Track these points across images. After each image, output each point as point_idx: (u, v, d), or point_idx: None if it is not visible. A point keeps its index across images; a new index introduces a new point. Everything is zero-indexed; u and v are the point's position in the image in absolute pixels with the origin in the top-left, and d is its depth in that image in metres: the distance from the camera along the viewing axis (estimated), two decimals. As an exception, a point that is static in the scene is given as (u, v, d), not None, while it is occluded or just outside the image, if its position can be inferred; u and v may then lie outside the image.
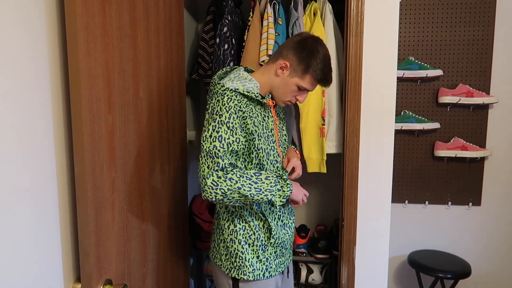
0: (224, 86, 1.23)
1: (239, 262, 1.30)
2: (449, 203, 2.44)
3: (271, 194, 1.21)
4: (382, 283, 1.70)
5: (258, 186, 1.20)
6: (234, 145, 1.19)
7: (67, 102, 0.93)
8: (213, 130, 1.19)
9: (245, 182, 1.18)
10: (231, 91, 1.22)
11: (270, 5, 1.83)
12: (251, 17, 1.89)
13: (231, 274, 1.31)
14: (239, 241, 1.30)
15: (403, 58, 2.37)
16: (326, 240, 2.19)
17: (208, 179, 1.16)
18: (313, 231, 2.41)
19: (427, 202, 2.46)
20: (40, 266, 0.84)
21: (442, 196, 2.44)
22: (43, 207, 0.85)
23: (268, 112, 1.32)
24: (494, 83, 2.32)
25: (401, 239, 2.52)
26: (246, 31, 1.89)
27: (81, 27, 0.86)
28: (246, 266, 1.30)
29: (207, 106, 1.25)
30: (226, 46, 1.89)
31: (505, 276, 2.47)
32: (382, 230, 1.68)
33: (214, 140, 1.18)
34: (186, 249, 1.64)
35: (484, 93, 2.29)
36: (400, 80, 2.36)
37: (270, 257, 1.33)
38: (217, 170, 1.17)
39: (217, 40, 1.90)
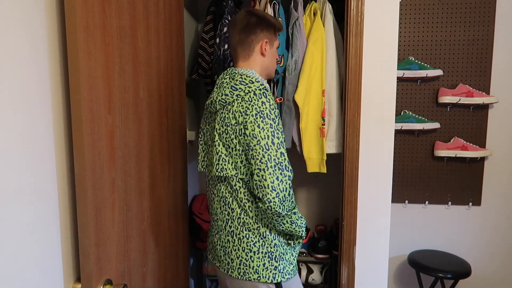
0: (263, 84, 1.26)
1: (283, 264, 1.29)
2: (449, 203, 2.44)
3: (301, 231, 1.30)
4: (382, 283, 1.70)
5: (301, 220, 1.28)
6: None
7: (67, 102, 0.93)
8: (274, 136, 1.19)
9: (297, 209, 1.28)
10: (266, 90, 1.25)
11: (270, 5, 1.83)
12: (251, 17, 1.89)
13: (276, 280, 1.27)
14: (282, 243, 1.30)
15: (403, 58, 2.37)
16: (326, 240, 2.19)
17: (282, 191, 1.17)
18: (313, 231, 2.41)
19: (427, 202, 2.46)
20: (40, 266, 0.84)
21: (442, 196, 2.44)
22: (43, 207, 0.85)
23: None
24: (494, 83, 2.32)
25: (401, 239, 2.52)
26: (246, 31, 1.89)
27: (81, 27, 0.86)
28: (288, 265, 1.31)
29: (245, 109, 1.20)
30: (226, 46, 1.89)
31: (505, 276, 2.47)
32: (382, 230, 1.68)
33: (279, 147, 1.19)
34: (186, 249, 1.64)
35: (484, 93, 2.29)
36: (400, 80, 2.36)
37: (295, 251, 1.36)
38: (289, 185, 1.20)
39: (217, 40, 1.91)
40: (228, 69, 1.35)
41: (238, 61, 1.36)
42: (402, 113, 2.38)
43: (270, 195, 1.16)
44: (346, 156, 1.66)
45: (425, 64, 2.32)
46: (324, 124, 1.87)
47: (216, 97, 1.28)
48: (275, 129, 1.20)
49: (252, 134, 1.18)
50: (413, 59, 2.33)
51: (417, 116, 2.36)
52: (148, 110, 1.23)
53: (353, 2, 1.57)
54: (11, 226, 0.76)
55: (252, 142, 1.18)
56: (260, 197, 1.18)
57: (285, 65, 1.85)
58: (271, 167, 1.17)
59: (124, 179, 1.08)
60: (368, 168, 1.65)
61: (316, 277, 2.20)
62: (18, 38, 0.77)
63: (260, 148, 1.17)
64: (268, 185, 1.16)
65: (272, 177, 1.16)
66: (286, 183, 1.19)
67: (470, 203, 2.42)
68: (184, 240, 1.61)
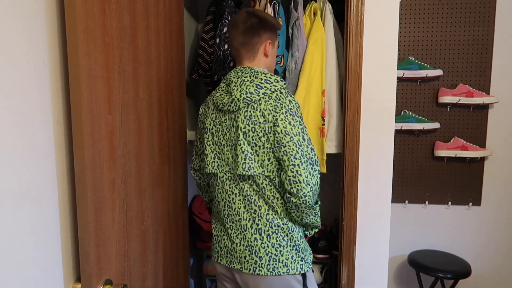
0: (285, 83, 1.31)
1: (306, 254, 1.37)
2: (449, 203, 2.44)
3: (319, 222, 1.39)
4: (382, 283, 1.70)
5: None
6: None
7: (67, 102, 0.93)
8: (303, 133, 1.25)
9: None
10: (288, 89, 1.33)
11: (270, 5, 1.83)
12: (251, 17, 1.89)
13: (304, 271, 1.34)
14: (303, 235, 1.38)
15: (403, 58, 2.37)
16: (326, 240, 2.19)
17: (314, 185, 1.25)
18: (313, 231, 2.41)
19: (427, 202, 2.46)
20: (40, 266, 0.84)
21: (442, 196, 2.44)
22: (43, 207, 0.85)
23: None
24: (494, 83, 2.32)
25: (401, 239, 2.52)
26: (246, 31, 1.89)
27: (81, 27, 0.86)
28: (309, 255, 1.38)
29: (274, 107, 1.24)
30: (226, 46, 1.89)
31: (505, 276, 2.47)
32: (382, 230, 1.68)
33: (309, 143, 1.25)
34: (186, 249, 1.64)
35: (484, 93, 2.29)
36: (400, 80, 2.36)
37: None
38: (319, 179, 1.28)
39: (217, 40, 1.91)
40: (241, 67, 1.35)
41: (243, 62, 1.36)
42: (402, 113, 2.38)
43: (305, 189, 1.22)
44: (346, 156, 1.66)
45: (425, 64, 2.32)
46: (324, 124, 1.87)
47: (240, 96, 1.27)
48: (303, 126, 1.27)
49: (284, 131, 1.23)
50: (413, 59, 2.33)
51: (417, 116, 2.36)
52: (148, 110, 1.23)
53: (353, 2, 1.57)
54: (11, 226, 0.76)
55: (284, 139, 1.22)
56: (295, 192, 1.22)
57: (285, 65, 1.85)
58: (304, 162, 1.22)
59: (124, 179, 1.08)
60: (368, 168, 1.65)
61: (316, 277, 2.20)
62: (17, 38, 0.77)
63: (293, 145, 1.22)
64: (303, 179, 1.21)
65: (305, 172, 1.22)
66: (317, 177, 1.27)
67: (470, 203, 2.42)
68: (184, 240, 1.61)
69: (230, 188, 1.35)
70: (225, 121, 1.33)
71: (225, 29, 1.89)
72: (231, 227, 1.36)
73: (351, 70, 1.60)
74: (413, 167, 2.44)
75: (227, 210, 1.36)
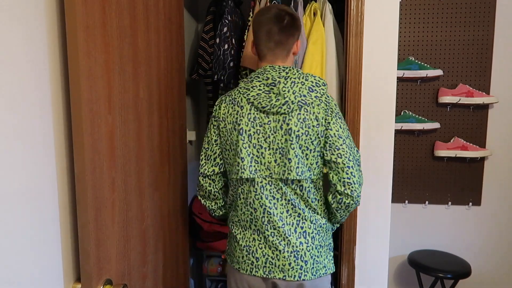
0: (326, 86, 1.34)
1: (334, 252, 1.40)
2: (449, 203, 2.44)
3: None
4: (382, 283, 1.70)
5: None
6: None
7: (67, 102, 0.93)
8: (349, 135, 1.29)
9: None
10: None
11: (270, 5, 1.83)
12: (251, 17, 1.89)
13: (334, 269, 1.36)
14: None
15: (403, 58, 2.37)
16: (326, 240, 2.19)
17: (361, 185, 1.27)
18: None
19: (427, 202, 2.46)
20: (40, 266, 0.84)
21: (442, 196, 2.44)
22: (43, 207, 0.85)
23: None
24: (494, 83, 2.32)
25: (401, 239, 2.52)
26: (246, 31, 1.89)
27: (81, 27, 0.86)
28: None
29: (325, 110, 1.25)
30: (226, 46, 1.89)
31: (505, 276, 2.47)
32: (382, 230, 1.68)
33: (354, 145, 1.30)
34: (186, 249, 1.64)
35: (484, 93, 2.29)
36: (400, 80, 2.36)
37: None
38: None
39: (217, 40, 1.90)
40: (281, 66, 1.28)
41: (276, 61, 1.31)
42: (402, 113, 2.38)
43: (358, 190, 1.25)
44: (346, 156, 1.66)
45: (425, 64, 2.32)
46: (324, 124, 1.87)
47: (294, 98, 1.23)
48: (348, 128, 1.32)
49: (338, 134, 1.25)
50: (413, 59, 2.33)
51: (417, 116, 2.36)
52: (148, 110, 1.23)
53: (353, 2, 1.57)
54: (11, 226, 0.76)
55: (338, 142, 1.25)
56: (349, 193, 1.24)
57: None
58: (355, 164, 1.26)
59: (124, 179, 1.08)
60: (368, 168, 1.65)
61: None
62: (17, 38, 0.77)
63: (346, 147, 1.25)
64: (356, 181, 1.24)
65: (357, 173, 1.26)
66: (362, 177, 1.32)
67: (470, 203, 2.42)
68: (184, 240, 1.61)
69: (271, 193, 1.28)
70: (269, 123, 1.25)
71: (225, 29, 1.89)
72: (273, 234, 1.28)
73: (351, 70, 1.60)
74: (413, 167, 2.44)
75: (266, 217, 1.28)
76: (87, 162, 0.89)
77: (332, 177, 1.26)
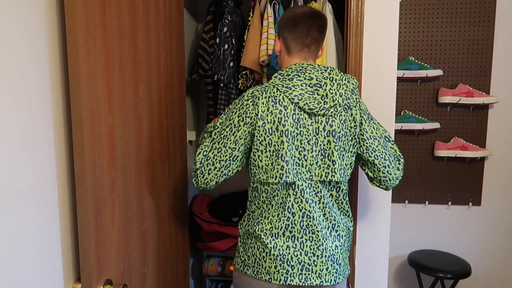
0: None
1: None
2: (449, 203, 2.44)
3: None
4: (382, 283, 1.70)
5: None
6: None
7: (67, 102, 0.93)
8: (385, 132, 1.34)
9: None
10: None
11: (270, 5, 1.83)
12: (251, 17, 1.89)
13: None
14: None
15: (403, 58, 2.37)
16: (326, 240, 2.19)
17: (401, 176, 1.32)
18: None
19: (427, 202, 2.46)
20: (40, 266, 0.84)
21: (442, 196, 2.44)
22: (43, 207, 0.85)
23: None
24: (494, 83, 2.32)
25: (401, 239, 2.52)
26: (246, 31, 1.89)
27: (81, 27, 0.86)
28: None
29: (360, 112, 1.27)
30: (226, 46, 1.89)
31: (505, 276, 2.47)
32: (382, 230, 1.68)
33: (390, 139, 1.35)
34: (186, 249, 1.64)
35: (484, 93, 2.29)
36: (400, 80, 2.36)
37: None
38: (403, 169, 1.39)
39: (217, 40, 1.90)
40: (321, 66, 1.24)
41: (309, 59, 1.28)
42: (402, 113, 2.38)
43: (395, 183, 1.31)
44: (346, 156, 1.66)
45: (425, 64, 2.32)
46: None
47: (342, 101, 1.22)
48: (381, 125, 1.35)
49: (372, 136, 1.27)
50: (413, 59, 2.33)
51: (417, 116, 2.36)
52: (148, 110, 1.23)
53: (353, 2, 1.57)
54: (11, 226, 0.76)
55: (374, 144, 1.27)
56: (385, 188, 1.31)
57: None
58: (392, 161, 1.30)
59: (124, 179, 1.09)
60: (368, 168, 1.65)
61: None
62: (17, 38, 0.77)
63: (381, 147, 1.28)
64: (392, 177, 1.29)
65: (393, 170, 1.29)
66: (403, 169, 1.34)
67: (470, 203, 2.42)
68: (184, 240, 1.61)
69: (310, 196, 1.23)
70: (311, 124, 1.21)
71: (225, 29, 1.89)
72: (311, 238, 1.23)
73: (351, 70, 1.60)
74: (413, 167, 2.44)
75: (305, 221, 1.23)
76: (87, 162, 0.89)
77: (368, 173, 1.31)
